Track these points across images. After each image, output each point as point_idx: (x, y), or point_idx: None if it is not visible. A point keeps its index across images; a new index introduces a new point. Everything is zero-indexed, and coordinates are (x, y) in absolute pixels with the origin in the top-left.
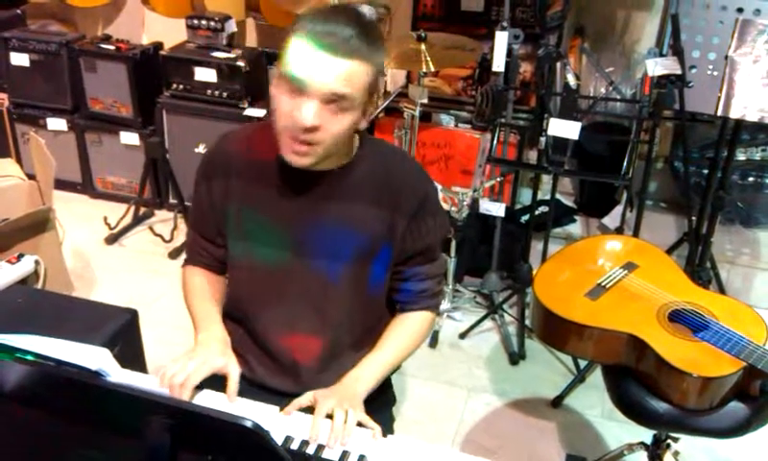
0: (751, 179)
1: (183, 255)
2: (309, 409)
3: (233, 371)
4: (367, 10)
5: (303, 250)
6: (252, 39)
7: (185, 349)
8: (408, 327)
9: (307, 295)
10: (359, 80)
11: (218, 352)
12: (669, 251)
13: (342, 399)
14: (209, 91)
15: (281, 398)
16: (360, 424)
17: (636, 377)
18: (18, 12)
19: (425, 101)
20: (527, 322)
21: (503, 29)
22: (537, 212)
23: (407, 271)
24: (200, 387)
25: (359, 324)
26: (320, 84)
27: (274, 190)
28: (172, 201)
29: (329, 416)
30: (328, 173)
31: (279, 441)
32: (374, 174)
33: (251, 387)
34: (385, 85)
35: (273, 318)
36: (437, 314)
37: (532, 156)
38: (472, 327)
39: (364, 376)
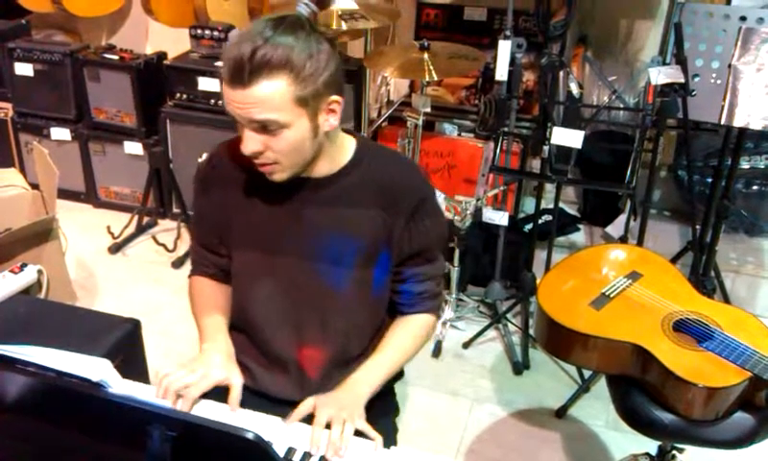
0: (755, 187)
1: (187, 265)
2: (310, 417)
3: (236, 381)
4: (303, 8)
5: (306, 257)
6: None
7: (189, 357)
8: (409, 329)
9: (313, 304)
10: (274, 97)
11: (220, 365)
12: (673, 260)
13: (341, 406)
14: (213, 101)
15: (285, 407)
16: (360, 433)
17: (640, 388)
18: (23, 22)
19: (428, 110)
20: (531, 331)
21: (506, 38)
22: (540, 221)
23: (406, 271)
24: (201, 397)
25: (365, 331)
26: (240, 117)
27: (273, 198)
28: (175, 210)
29: (329, 424)
30: (325, 178)
31: (282, 452)
32: (372, 177)
33: (253, 396)
34: (388, 94)
35: (279, 328)
36: (437, 317)
37: (535, 165)
38: (476, 337)
39: (364, 378)
